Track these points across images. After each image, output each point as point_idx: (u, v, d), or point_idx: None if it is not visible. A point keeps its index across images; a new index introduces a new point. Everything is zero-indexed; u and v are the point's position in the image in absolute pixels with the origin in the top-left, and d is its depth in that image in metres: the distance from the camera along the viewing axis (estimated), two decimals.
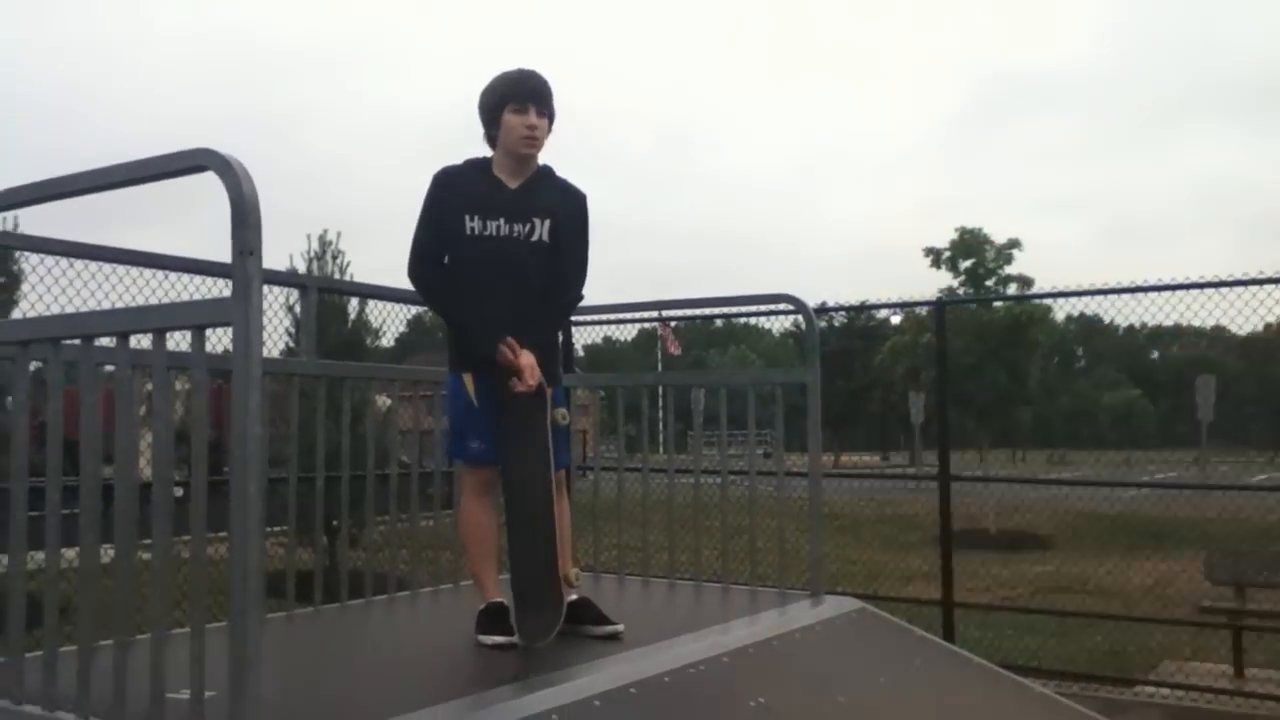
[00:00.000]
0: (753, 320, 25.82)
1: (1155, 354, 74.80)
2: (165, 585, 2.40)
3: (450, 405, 3.46)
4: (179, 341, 2.64)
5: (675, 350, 20.53)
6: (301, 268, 10.53)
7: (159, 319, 2.43)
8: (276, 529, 5.31)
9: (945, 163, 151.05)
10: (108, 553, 2.55)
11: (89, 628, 2.50)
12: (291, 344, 8.58)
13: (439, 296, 3.49)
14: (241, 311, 2.15)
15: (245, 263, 2.15)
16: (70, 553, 2.67)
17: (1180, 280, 7.03)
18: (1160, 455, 38.30)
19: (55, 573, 2.58)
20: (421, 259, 3.43)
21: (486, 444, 3.39)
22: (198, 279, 5.35)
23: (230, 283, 2.18)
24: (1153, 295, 7.31)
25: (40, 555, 2.63)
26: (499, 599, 3.38)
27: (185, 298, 5.28)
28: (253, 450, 2.13)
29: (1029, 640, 8.28)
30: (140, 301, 5.08)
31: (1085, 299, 7.77)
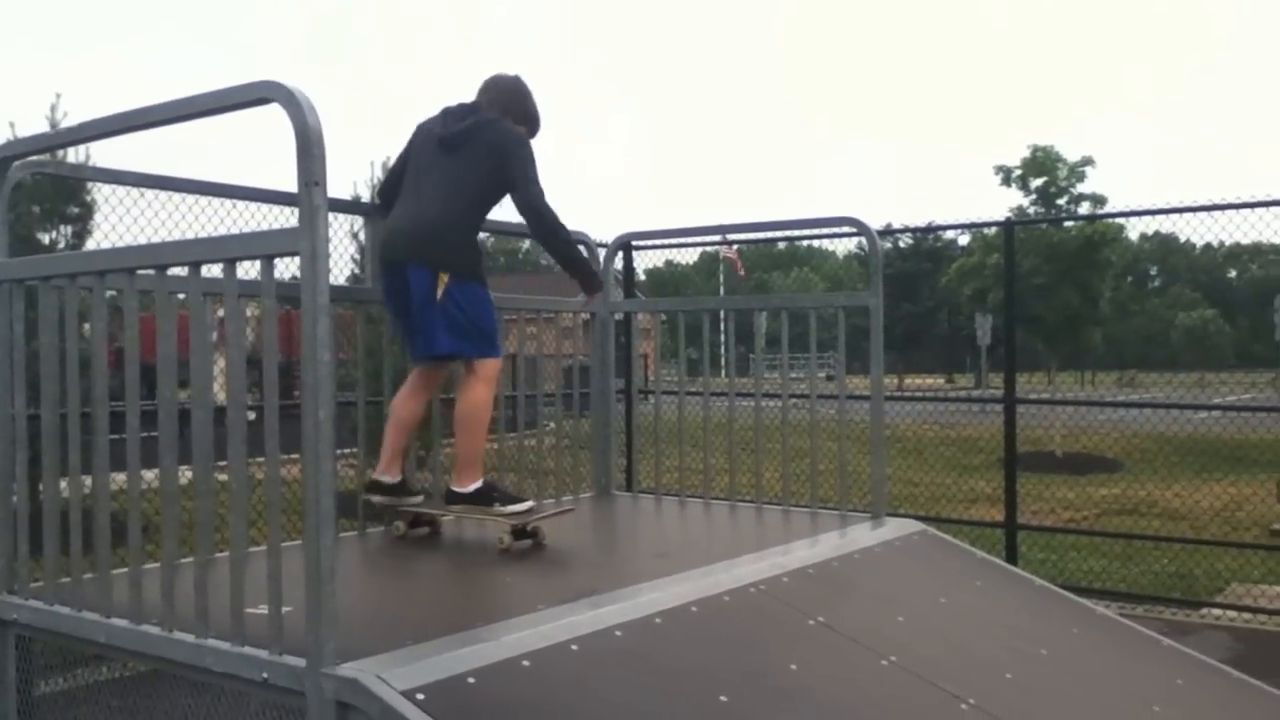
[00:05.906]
0: (816, 242, 25.52)
1: (1233, 273, 72.74)
2: (242, 505, 2.49)
3: (483, 311, 3.86)
4: (248, 270, 2.72)
5: (742, 272, 20.42)
6: (365, 195, 10.57)
7: (231, 249, 2.49)
8: (347, 451, 5.47)
9: None
10: (185, 474, 2.65)
11: (172, 545, 2.62)
12: (357, 270, 8.67)
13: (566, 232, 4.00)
14: (309, 240, 2.21)
15: (311, 193, 2.21)
16: (149, 474, 2.79)
17: (1260, 198, 6.76)
18: (1236, 377, 37.42)
19: (137, 493, 2.70)
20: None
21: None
22: (252, 208, 5.44)
23: (297, 212, 2.24)
24: (1230, 213, 7.07)
25: (122, 477, 2.74)
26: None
27: (240, 228, 5.38)
28: (323, 375, 2.20)
29: (1093, 562, 8.24)
30: (201, 231, 5.18)
31: (1161, 217, 7.49)
